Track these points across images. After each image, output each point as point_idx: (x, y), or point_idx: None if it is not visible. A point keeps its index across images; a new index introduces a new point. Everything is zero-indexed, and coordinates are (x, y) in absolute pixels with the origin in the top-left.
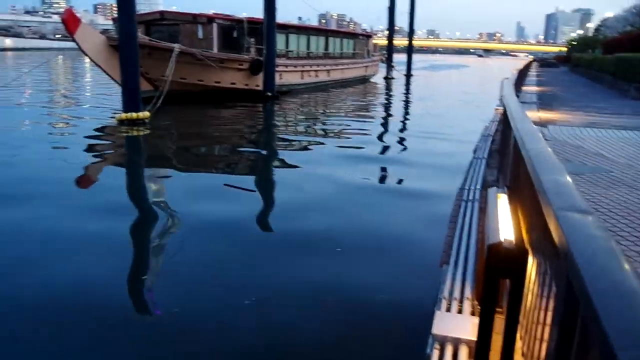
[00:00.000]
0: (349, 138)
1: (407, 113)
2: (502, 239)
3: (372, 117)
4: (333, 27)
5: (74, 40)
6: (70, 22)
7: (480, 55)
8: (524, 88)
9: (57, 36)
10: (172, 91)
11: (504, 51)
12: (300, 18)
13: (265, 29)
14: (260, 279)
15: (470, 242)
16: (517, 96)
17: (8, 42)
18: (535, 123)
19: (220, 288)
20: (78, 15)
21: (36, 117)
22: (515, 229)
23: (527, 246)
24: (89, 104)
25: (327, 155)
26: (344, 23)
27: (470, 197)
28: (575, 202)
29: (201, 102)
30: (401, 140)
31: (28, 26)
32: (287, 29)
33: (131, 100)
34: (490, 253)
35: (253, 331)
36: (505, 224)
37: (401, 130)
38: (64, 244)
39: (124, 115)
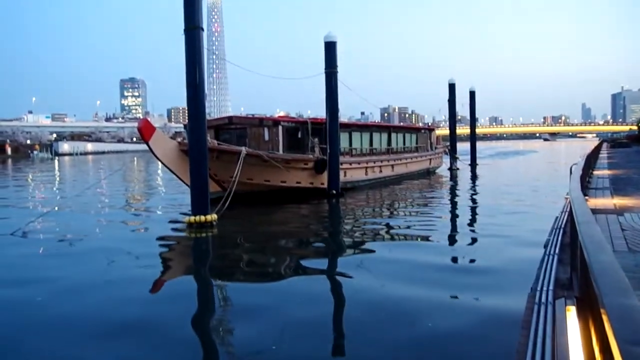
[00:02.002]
0: (414, 237)
1: (474, 206)
2: None
3: (438, 213)
4: (395, 120)
5: (148, 147)
6: (145, 130)
7: (546, 139)
8: (596, 172)
9: (133, 139)
10: (240, 191)
11: (571, 133)
12: (362, 113)
13: (328, 128)
14: None
15: (546, 352)
16: (589, 181)
17: (90, 146)
18: (610, 211)
19: None
20: (152, 122)
21: (110, 219)
22: (586, 350)
23: None
24: (161, 206)
25: (394, 259)
26: (406, 115)
27: (543, 300)
28: None
29: (267, 201)
30: (468, 236)
31: (108, 131)
32: (349, 127)
33: (200, 204)
34: None
35: None
36: (575, 345)
37: (468, 225)
38: None
39: (192, 219)
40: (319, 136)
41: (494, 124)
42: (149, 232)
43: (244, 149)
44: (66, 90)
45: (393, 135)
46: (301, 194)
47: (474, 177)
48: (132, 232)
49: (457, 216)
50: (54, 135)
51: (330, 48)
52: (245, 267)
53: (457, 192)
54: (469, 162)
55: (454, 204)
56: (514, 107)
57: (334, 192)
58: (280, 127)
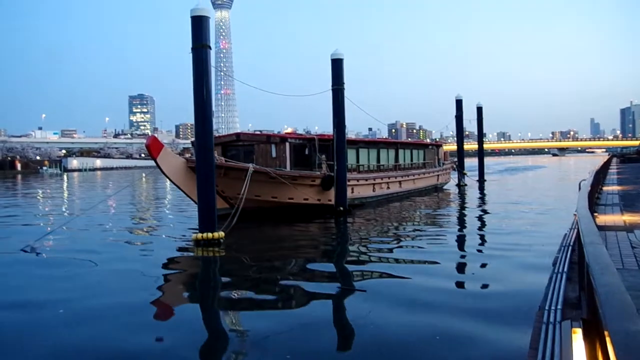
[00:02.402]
0: (422, 257)
1: (482, 223)
2: None
3: (446, 230)
4: (403, 136)
5: (156, 164)
6: (153, 147)
7: (555, 154)
8: (605, 188)
9: (141, 155)
10: (247, 208)
11: (580, 148)
12: (370, 129)
13: (335, 145)
14: None
15: None
16: (598, 197)
17: (98, 162)
18: (620, 228)
19: None
20: (160, 138)
21: (117, 237)
22: None
23: None
24: (169, 223)
25: (402, 282)
26: (414, 131)
27: (551, 319)
28: None
29: (275, 218)
30: (477, 255)
31: (116, 147)
32: (357, 144)
33: (207, 221)
34: None
35: None
36: None
37: (477, 243)
38: None
39: (199, 236)
40: (326, 153)
41: (502, 139)
42: (156, 251)
43: (251, 166)
44: (76, 107)
45: (400, 151)
46: (309, 211)
47: (482, 193)
48: (139, 250)
49: (465, 234)
50: (63, 151)
51: (337, 65)
52: (252, 289)
53: (465, 209)
54: (477, 178)
55: (462, 222)
56: (522, 122)
57: (341, 208)
58: (287, 144)
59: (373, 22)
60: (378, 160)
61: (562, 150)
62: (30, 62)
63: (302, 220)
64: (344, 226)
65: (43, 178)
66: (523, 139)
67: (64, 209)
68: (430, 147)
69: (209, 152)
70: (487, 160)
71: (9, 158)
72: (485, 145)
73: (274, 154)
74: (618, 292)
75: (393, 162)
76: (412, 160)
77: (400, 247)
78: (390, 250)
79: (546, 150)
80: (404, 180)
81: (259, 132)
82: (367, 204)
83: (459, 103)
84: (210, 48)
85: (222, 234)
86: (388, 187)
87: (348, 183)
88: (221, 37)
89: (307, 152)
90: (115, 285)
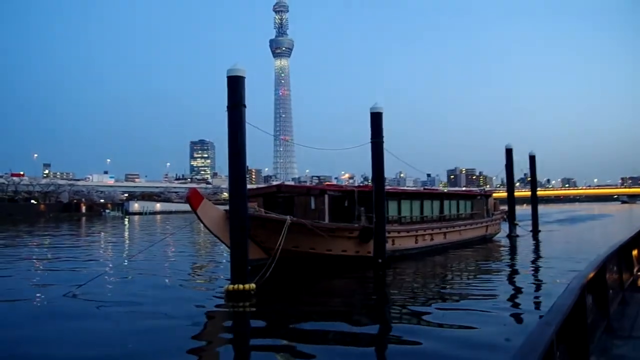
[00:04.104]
0: (463, 320)
1: (532, 280)
2: None
3: (490, 287)
4: (463, 182)
5: (196, 215)
6: (193, 199)
7: (625, 202)
8: None
9: None
10: (285, 258)
11: None
12: (429, 175)
13: (374, 197)
14: None
15: None
16: None
17: (158, 206)
18: None
19: None
20: (219, 182)
21: (157, 283)
22: None
23: None
24: (210, 270)
25: (443, 354)
26: (473, 177)
27: None
28: None
29: (312, 269)
30: (516, 318)
31: (177, 192)
32: (399, 195)
33: (239, 272)
34: None
35: None
36: None
37: (518, 304)
38: None
39: (231, 287)
40: (367, 204)
41: (567, 185)
42: (189, 302)
43: (288, 218)
44: (139, 152)
45: (445, 202)
46: (347, 262)
47: (534, 245)
48: (173, 300)
49: (513, 294)
50: (126, 194)
51: (376, 118)
52: (278, 347)
53: (514, 262)
54: (531, 229)
55: (510, 277)
56: (589, 167)
57: (380, 260)
58: (326, 197)
59: (435, 64)
60: (421, 212)
61: (633, 197)
62: (99, 110)
63: (339, 271)
64: (382, 280)
65: (105, 220)
66: (589, 185)
67: (116, 253)
68: (478, 197)
69: (243, 206)
70: (549, 208)
71: (74, 201)
72: (547, 192)
73: (313, 206)
74: None
75: (437, 213)
76: (458, 211)
77: (441, 308)
78: (431, 312)
79: (615, 197)
80: (448, 231)
81: (316, 179)
82: (409, 256)
83: (508, 152)
84: (245, 107)
85: (253, 285)
86: (432, 239)
87: (388, 235)
88: (281, 84)
89: (346, 204)
90: (144, 341)
